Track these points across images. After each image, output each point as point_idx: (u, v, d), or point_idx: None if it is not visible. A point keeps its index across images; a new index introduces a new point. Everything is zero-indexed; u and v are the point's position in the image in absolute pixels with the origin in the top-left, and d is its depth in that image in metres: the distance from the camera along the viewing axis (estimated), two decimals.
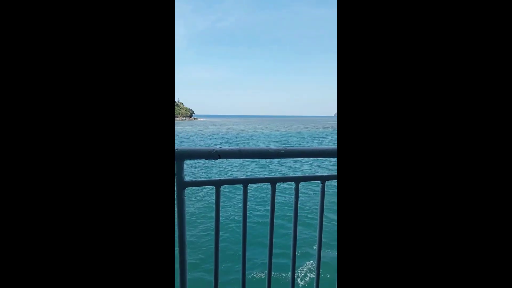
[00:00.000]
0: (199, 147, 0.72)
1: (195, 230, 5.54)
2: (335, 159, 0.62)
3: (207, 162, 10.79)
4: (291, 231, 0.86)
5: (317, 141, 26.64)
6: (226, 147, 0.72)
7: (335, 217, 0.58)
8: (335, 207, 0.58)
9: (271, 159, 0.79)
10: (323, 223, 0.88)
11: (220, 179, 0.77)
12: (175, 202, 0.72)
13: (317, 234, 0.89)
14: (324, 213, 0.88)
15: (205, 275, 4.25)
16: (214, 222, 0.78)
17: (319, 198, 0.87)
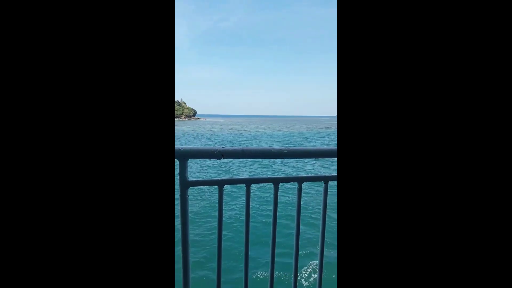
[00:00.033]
0: (202, 146, 0.73)
1: (199, 229, 5.59)
2: None
3: (210, 161, 10.83)
4: (294, 231, 0.86)
5: (320, 141, 26.57)
6: (229, 147, 0.73)
7: None
8: None
9: (274, 159, 0.80)
10: (327, 224, 0.89)
11: (223, 179, 0.78)
12: (179, 201, 0.73)
13: (319, 234, 0.89)
14: (328, 213, 0.88)
15: (209, 273, 4.29)
16: (217, 222, 0.79)
17: (322, 199, 0.87)
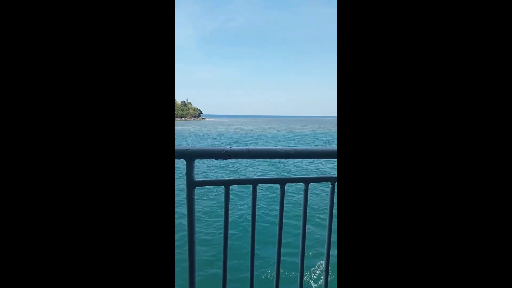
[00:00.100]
0: (209, 147, 0.74)
1: (209, 229, 5.64)
2: None
3: (218, 161, 10.89)
4: (300, 231, 0.86)
5: (327, 142, 26.37)
6: (235, 147, 0.73)
7: None
8: None
9: (281, 159, 0.79)
10: (334, 225, 0.88)
11: (230, 179, 0.78)
12: (186, 200, 0.74)
13: (326, 234, 0.89)
14: (335, 213, 0.88)
15: (219, 271, 4.29)
16: (223, 221, 0.80)
17: (328, 199, 0.87)
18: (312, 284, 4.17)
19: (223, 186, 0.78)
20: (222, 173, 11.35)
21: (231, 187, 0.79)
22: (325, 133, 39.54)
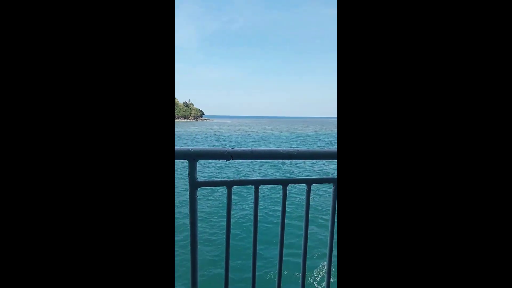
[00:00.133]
0: (212, 147, 0.74)
1: (213, 229, 5.65)
2: None
3: (221, 162, 10.91)
4: (303, 232, 0.86)
5: (329, 143, 26.31)
6: (238, 148, 0.73)
7: None
8: None
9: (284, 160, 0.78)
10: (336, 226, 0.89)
11: (232, 180, 0.78)
12: (189, 201, 0.75)
13: (328, 236, 0.88)
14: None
15: (223, 271, 4.33)
16: (225, 222, 0.80)
17: (330, 200, 0.86)
18: (316, 285, 4.17)
19: (225, 187, 0.78)
20: (225, 173, 11.38)
21: (234, 187, 0.79)
22: (327, 134, 39.46)
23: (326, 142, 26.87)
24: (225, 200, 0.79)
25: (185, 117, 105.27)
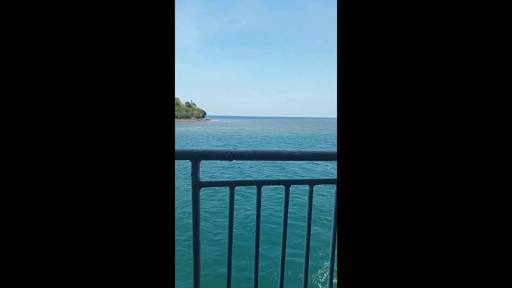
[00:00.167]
0: (214, 148, 0.74)
1: (217, 229, 5.68)
2: None
3: (224, 162, 10.94)
4: (305, 232, 0.86)
5: (332, 143, 26.23)
6: (240, 148, 0.74)
7: None
8: None
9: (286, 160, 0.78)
10: None
11: (235, 180, 0.78)
12: (191, 201, 0.75)
13: (331, 237, 0.89)
14: None
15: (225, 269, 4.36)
16: (228, 221, 0.80)
17: (333, 201, 0.86)
18: (320, 287, 4.18)
19: (228, 187, 0.79)
20: (228, 174, 11.41)
21: (238, 188, 0.79)
22: (329, 134, 39.33)
23: (329, 143, 26.79)
24: (228, 200, 0.80)
25: (187, 117, 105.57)
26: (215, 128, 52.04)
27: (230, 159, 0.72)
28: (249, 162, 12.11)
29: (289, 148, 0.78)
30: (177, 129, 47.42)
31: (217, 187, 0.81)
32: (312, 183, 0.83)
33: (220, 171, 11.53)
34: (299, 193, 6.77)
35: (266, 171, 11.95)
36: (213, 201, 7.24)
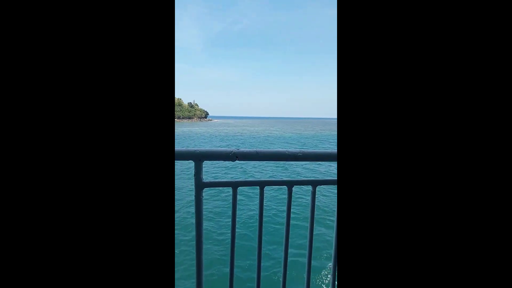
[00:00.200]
0: (217, 148, 0.74)
1: (222, 229, 5.70)
2: None
3: (227, 162, 10.85)
4: (308, 232, 0.86)
5: (335, 144, 26.16)
6: (243, 148, 0.73)
7: None
8: None
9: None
10: None
11: (237, 181, 0.78)
12: (194, 202, 0.75)
13: (334, 237, 0.88)
14: None
15: (235, 269, 4.38)
16: (231, 222, 0.81)
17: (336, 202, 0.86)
18: (324, 287, 4.18)
19: (230, 187, 0.79)
20: (231, 174, 11.44)
21: (242, 188, 0.80)
22: (332, 135, 39.21)
23: (332, 143, 26.72)
24: (237, 199, 0.81)
25: (189, 118, 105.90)
26: (218, 129, 52.17)
27: (233, 160, 0.73)
28: (252, 162, 12.14)
29: (291, 149, 0.78)
30: (180, 129, 47.61)
31: (220, 187, 0.82)
32: (314, 183, 0.83)
33: (224, 171, 11.57)
34: (303, 193, 6.77)
35: (269, 171, 11.96)
36: (217, 201, 7.27)
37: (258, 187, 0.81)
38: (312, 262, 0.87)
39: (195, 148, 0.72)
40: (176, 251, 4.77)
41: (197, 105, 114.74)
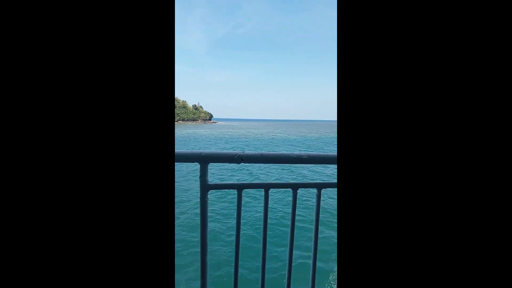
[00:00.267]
0: (223, 151, 0.75)
1: (231, 230, 5.73)
2: None
3: (233, 164, 10.87)
4: (313, 235, 0.87)
5: None
6: (248, 151, 0.74)
7: None
8: None
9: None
10: None
11: (242, 183, 0.78)
12: (199, 203, 0.76)
13: (336, 239, 0.87)
14: None
15: (242, 271, 4.40)
16: (235, 224, 0.81)
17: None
18: None
19: (236, 190, 0.79)
20: (237, 176, 11.47)
21: (248, 190, 0.81)
22: (336, 137, 38.86)
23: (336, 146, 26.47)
24: (243, 201, 0.82)
25: (194, 120, 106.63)
26: (222, 131, 52.40)
27: (238, 162, 0.73)
28: (258, 164, 12.15)
29: (296, 151, 0.79)
30: (185, 131, 47.93)
31: (227, 189, 0.83)
32: (320, 186, 0.83)
33: (230, 173, 11.62)
34: (309, 196, 6.76)
35: (274, 174, 11.96)
36: (223, 202, 7.31)
37: (263, 189, 0.82)
38: (319, 264, 0.89)
39: (201, 151, 0.72)
40: (184, 252, 4.82)
41: (202, 107, 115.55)
